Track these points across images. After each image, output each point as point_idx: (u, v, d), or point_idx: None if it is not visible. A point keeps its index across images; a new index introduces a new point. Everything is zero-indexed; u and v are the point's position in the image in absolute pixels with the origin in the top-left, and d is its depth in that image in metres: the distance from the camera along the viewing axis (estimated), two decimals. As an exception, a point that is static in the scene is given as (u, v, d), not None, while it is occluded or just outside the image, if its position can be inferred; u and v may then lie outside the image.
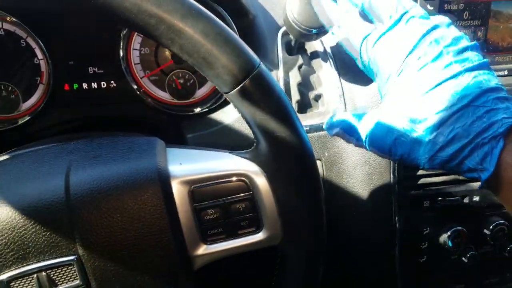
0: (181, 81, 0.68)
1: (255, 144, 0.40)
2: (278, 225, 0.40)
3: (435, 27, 0.41)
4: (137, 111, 0.68)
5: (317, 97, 0.64)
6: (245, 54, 0.34)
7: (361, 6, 0.45)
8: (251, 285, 0.59)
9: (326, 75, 0.63)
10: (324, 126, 0.50)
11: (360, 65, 0.46)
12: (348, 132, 0.46)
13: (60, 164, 0.38)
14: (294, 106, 0.64)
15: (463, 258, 0.64)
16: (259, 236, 0.40)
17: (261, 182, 0.39)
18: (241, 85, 0.35)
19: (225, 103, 0.68)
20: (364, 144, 0.44)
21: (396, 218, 0.62)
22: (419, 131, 0.39)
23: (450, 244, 0.62)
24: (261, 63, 0.36)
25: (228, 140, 0.62)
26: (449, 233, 0.62)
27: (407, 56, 0.40)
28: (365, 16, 0.45)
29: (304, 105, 0.65)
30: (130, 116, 0.68)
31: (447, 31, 0.41)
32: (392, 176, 0.60)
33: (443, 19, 0.42)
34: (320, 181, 0.40)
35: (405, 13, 0.42)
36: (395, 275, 0.65)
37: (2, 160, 0.43)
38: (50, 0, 0.29)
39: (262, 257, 0.45)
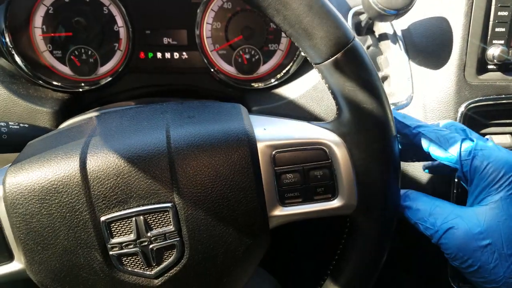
0: (247, 56, 0.71)
1: (336, 115, 0.42)
2: (354, 195, 0.41)
3: None
4: (205, 83, 0.71)
5: (384, 78, 0.65)
6: (342, 27, 0.36)
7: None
8: (319, 250, 0.62)
9: (394, 56, 0.64)
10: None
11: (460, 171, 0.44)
12: (418, 216, 0.43)
13: (158, 121, 0.41)
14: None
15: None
16: (334, 203, 0.42)
17: (341, 152, 0.41)
18: (335, 57, 0.36)
19: (287, 81, 0.70)
20: (434, 237, 0.42)
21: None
22: None
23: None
24: (356, 36, 0.37)
25: (291, 115, 0.64)
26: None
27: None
28: None
29: (369, 87, 0.66)
30: (197, 86, 0.72)
31: None
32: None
33: None
34: (399, 157, 0.41)
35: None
36: (446, 261, 0.66)
37: (96, 115, 0.47)
38: None
39: (334, 225, 0.47)
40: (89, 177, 0.37)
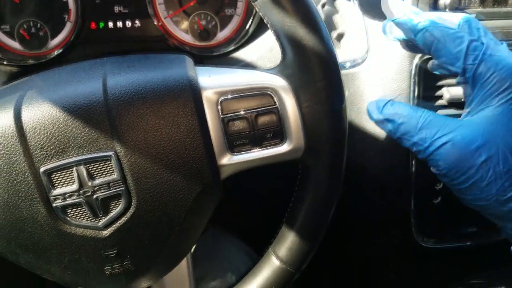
0: (203, 22, 0.70)
1: (281, 58, 0.41)
2: (301, 138, 0.41)
3: None
4: (160, 51, 0.70)
5: (340, 37, 0.65)
6: None
7: None
8: (273, 198, 0.62)
9: (349, 13, 0.63)
10: (369, 108, 0.44)
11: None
12: (403, 130, 0.40)
13: (96, 72, 0.40)
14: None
15: (477, 200, 0.66)
16: (283, 148, 0.41)
17: (287, 95, 0.41)
18: None
19: (244, 44, 0.69)
20: (423, 154, 0.39)
21: (412, 158, 0.63)
22: None
23: (465, 183, 0.63)
24: None
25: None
26: (464, 172, 0.63)
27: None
28: None
29: (326, 45, 0.66)
30: (153, 55, 0.70)
31: None
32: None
33: None
34: (343, 95, 0.41)
35: None
36: (409, 216, 0.67)
37: (38, 73, 0.45)
38: None
39: (286, 172, 0.47)
40: (24, 127, 0.36)
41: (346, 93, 0.64)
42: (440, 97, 0.62)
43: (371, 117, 0.42)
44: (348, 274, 0.89)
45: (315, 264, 0.55)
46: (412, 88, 0.61)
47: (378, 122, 0.41)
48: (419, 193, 0.65)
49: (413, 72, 0.61)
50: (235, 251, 0.64)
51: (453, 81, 0.63)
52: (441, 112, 0.63)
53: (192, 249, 0.68)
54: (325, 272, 0.88)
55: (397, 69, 0.61)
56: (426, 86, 0.62)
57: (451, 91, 0.62)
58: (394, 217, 0.69)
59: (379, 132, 0.64)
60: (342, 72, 0.64)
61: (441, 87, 0.62)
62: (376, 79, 0.62)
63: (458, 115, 0.63)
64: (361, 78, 0.63)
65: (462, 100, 0.61)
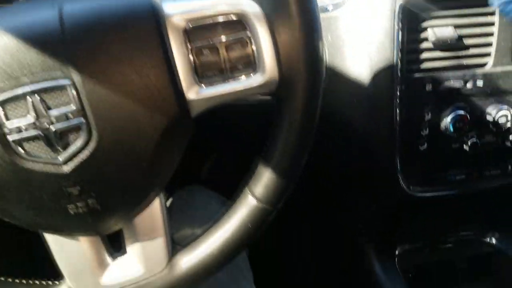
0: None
1: None
2: (275, 68, 0.39)
3: None
4: None
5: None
6: None
7: None
8: (248, 137, 0.60)
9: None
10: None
11: None
12: None
13: (53, 1, 0.37)
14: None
15: (465, 146, 0.64)
16: (256, 80, 0.39)
17: (259, 22, 0.38)
18: None
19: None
20: None
21: (397, 103, 0.61)
22: None
23: (451, 129, 0.61)
24: None
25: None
26: (450, 117, 0.61)
27: None
28: None
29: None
30: None
31: None
32: (395, 56, 0.59)
33: None
34: (319, 16, 0.39)
35: None
36: (395, 163, 0.65)
37: None
38: None
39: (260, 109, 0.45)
40: None
41: (329, 37, 0.61)
42: (426, 39, 0.60)
43: (493, 3, 0.45)
44: (333, 227, 0.88)
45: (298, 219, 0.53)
46: (396, 30, 0.59)
47: (502, 4, 0.44)
48: (405, 139, 0.64)
49: (396, 12, 0.58)
50: (213, 202, 0.63)
51: (439, 22, 0.60)
52: (426, 54, 0.61)
53: (168, 203, 0.66)
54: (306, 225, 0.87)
55: (380, 11, 0.59)
56: (410, 28, 0.59)
57: (437, 32, 0.59)
58: (380, 164, 0.67)
59: (364, 79, 0.62)
60: (324, 15, 0.62)
61: (426, 29, 0.60)
62: (359, 22, 0.60)
63: (444, 58, 0.61)
64: (343, 21, 0.61)
65: (448, 42, 0.60)
